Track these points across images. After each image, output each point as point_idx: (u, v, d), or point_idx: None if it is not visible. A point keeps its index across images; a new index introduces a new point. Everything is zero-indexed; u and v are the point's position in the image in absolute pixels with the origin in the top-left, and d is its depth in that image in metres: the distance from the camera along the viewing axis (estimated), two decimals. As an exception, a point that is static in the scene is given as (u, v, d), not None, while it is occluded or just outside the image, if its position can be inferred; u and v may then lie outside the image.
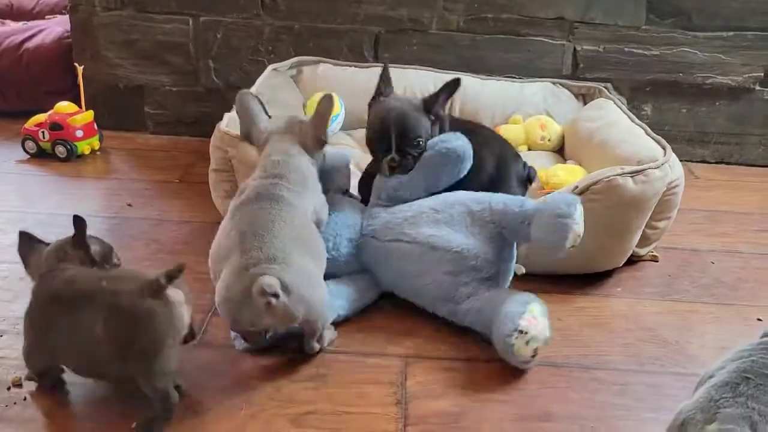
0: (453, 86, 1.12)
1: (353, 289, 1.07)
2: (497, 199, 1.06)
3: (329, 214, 1.07)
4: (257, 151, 1.07)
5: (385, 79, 1.15)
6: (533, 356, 0.94)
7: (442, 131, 1.14)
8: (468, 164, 1.10)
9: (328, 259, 1.03)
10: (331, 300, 1.02)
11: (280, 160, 1.01)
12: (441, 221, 1.06)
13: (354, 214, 1.11)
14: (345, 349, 0.99)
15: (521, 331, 0.93)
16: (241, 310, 0.87)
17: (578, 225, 0.97)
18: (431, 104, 1.12)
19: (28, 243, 0.89)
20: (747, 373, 0.70)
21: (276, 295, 0.84)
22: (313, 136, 1.05)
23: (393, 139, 1.08)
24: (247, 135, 1.06)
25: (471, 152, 1.09)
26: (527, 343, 0.93)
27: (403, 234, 1.07)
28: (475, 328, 1.02)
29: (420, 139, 1.09)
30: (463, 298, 1.02)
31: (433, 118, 1.12)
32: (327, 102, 1.05)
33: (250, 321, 0.88)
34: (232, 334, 0.98)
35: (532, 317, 0.94)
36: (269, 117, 1.08)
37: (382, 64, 1.17)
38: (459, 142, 1.09)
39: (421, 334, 1.04)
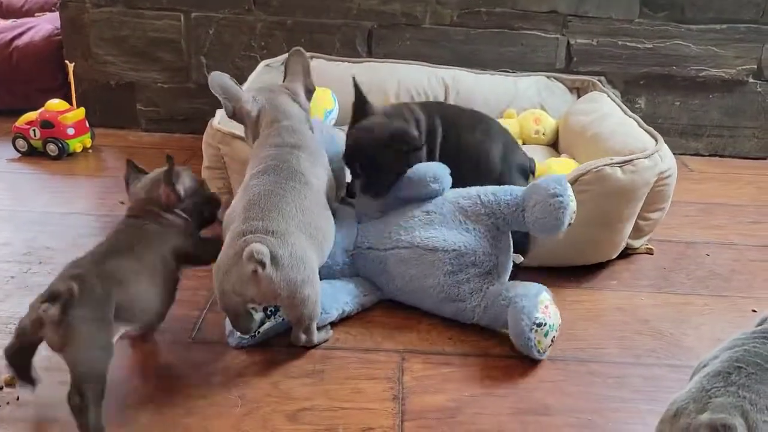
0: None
1: (359, 287, 1.06)
2: (485, 191, 1.06)
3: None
4: (248, 128, 1.05)
5: (359, 101, 1.12)
6: (550, 345, 0.96)
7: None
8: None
9: (324, 267, 1.02)
10: (337, 294, 1.02)
11: (294, 126, 1.01)
12: (435, 222, 1.05)
13: (350, 225, 1.10)
14: (341, 345, 0.99)
15: (539, 324, 0.94)
16: (229, 275, 0.87)
17: (573, 201, 0.99)
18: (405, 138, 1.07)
19: (131, 170, 1.01)
20: (739, 362, 0.70)
21: (263, 264, 0.84)
22: (304, 90, 1.09)
23: (358, 168, 1.08)
24: (234, 113, 1.04)
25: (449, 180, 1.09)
26: (545, 334, 0.94)
27: (399, 240, 1.06)
28: (483, 324, 1.02)
29: (382, 172, 1.07)
30: (467, 295, 1.02)
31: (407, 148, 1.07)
32: (301, 53, 1.10)
33: (234, 287, 0.87)
34: (227, 330, 0.98)
35: (544, 308, 0.95)
36: None
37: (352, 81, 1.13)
38: (436, 185, 1.07)
39: (417, 330, 1.04)
